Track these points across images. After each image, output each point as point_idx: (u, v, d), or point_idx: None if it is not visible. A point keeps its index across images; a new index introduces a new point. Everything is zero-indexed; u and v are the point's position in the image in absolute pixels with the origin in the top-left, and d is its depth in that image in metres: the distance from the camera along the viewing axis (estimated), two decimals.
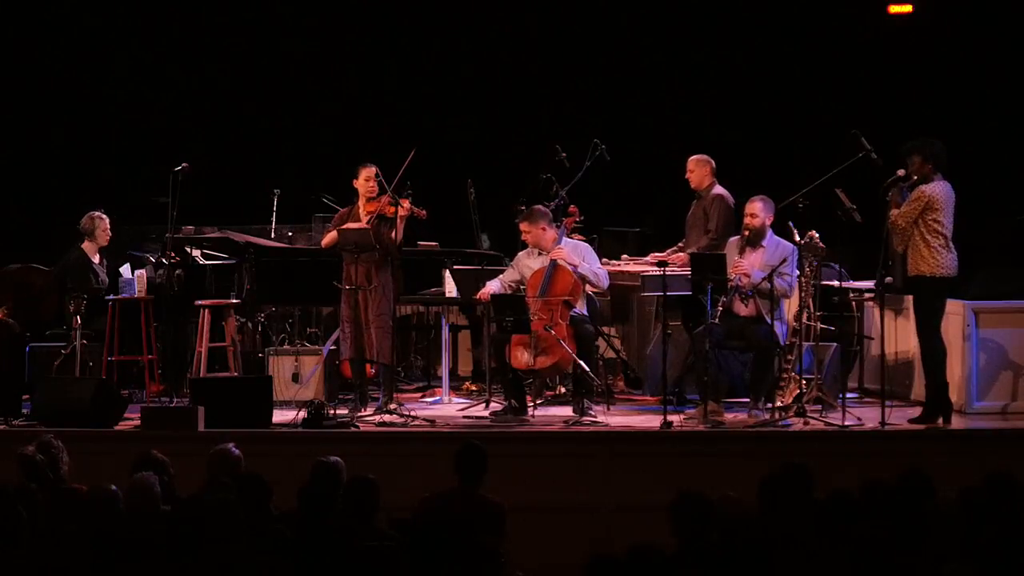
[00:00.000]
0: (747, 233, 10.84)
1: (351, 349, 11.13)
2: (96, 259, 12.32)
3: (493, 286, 11.15)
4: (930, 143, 10.47)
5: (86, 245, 12.29)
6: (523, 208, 11.79)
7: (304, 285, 11.99)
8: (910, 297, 11.11)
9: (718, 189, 11.90)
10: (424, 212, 11.10)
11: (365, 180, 11.19)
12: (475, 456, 7.91)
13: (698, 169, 11.91)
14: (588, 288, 11.18)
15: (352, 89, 15.28)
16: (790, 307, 10.98)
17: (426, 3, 15.29)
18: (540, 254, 11.16)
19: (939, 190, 10.36)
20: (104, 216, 12.34)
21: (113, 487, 7.08)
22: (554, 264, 11.02)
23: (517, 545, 7.52)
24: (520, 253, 11.40)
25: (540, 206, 11.42)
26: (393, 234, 11.04)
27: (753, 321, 10.80)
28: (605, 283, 11.22)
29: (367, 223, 11.07)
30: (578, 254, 11.14)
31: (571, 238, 11.48)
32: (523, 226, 11.18)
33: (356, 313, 11.09)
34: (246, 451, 8.08)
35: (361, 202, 11.25)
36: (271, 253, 12.35)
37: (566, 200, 11.86)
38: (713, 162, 11.90)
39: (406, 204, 11.01)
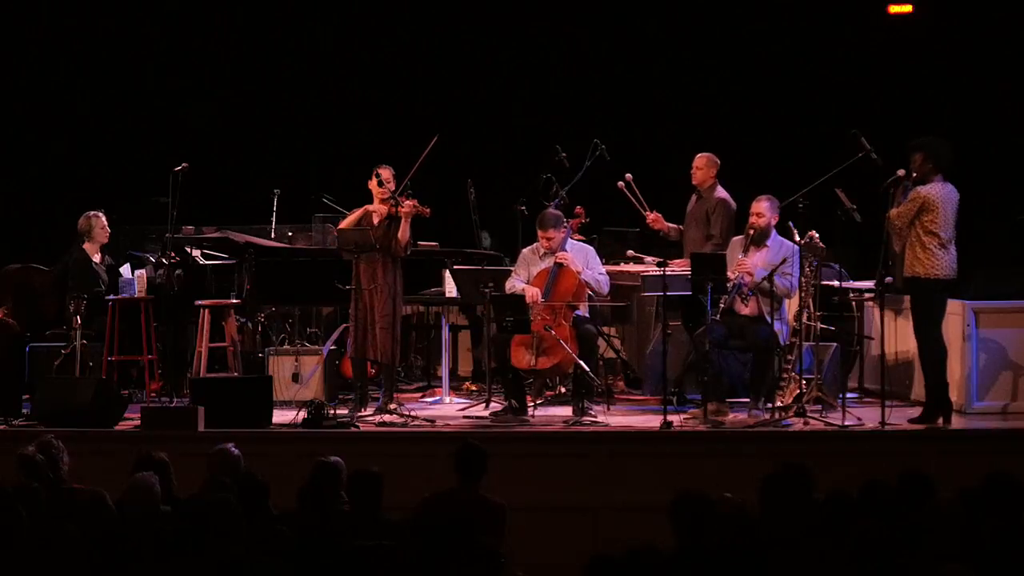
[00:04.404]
0: (752, 232, 10.83)
1: (354, 348, 11.13)
2: (97, 258, 12.31)
3: (518, 285, 11.08)
4: (936, 143, 10.46)
5: (87, 245, 12.28)
6: (523, 208, 11.79)
7: (304, 285, 11.99)
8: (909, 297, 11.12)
9: (721, 192, 11.91)
10: (428, 210, 11.07)
11: (378, 182, 11.12)
12: (474, 456, 7.91)
13: (705, 168, 11.93)
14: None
15: (352, 89, 15.27)
16: (791, 307, 10.99)
17: (426, 3, 15.30)
18: (545, 255, 11.15)
19: (936, 191, 10.33)
20: (100, 214, 12.32)
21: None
22: (559, 266, 11.01)
23: (517, 545, 7.53)
24: (524, 251, 11.37)
25: (553, 209, 11.40)
26: (400, 235, 11.01)
27: (754, 321, 10.80)
28: (606, 290, 11.23)
29: (379, 224, 11.05)
30: (582, 257, 11.13)
31: (574, 239, 11.48)
32: (550, 233, 11.01)
33: (362, 313, 11.06)
34: (246, 451, 8.09)
35: (375, 203, 11.22)
36: (271, 253, 12.34)
37: (566, 200, 11.87)
38: (719, 163, 11.93)
39: (410, 203, 10.99)
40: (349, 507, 7.40)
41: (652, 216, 12.13)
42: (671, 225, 12.15)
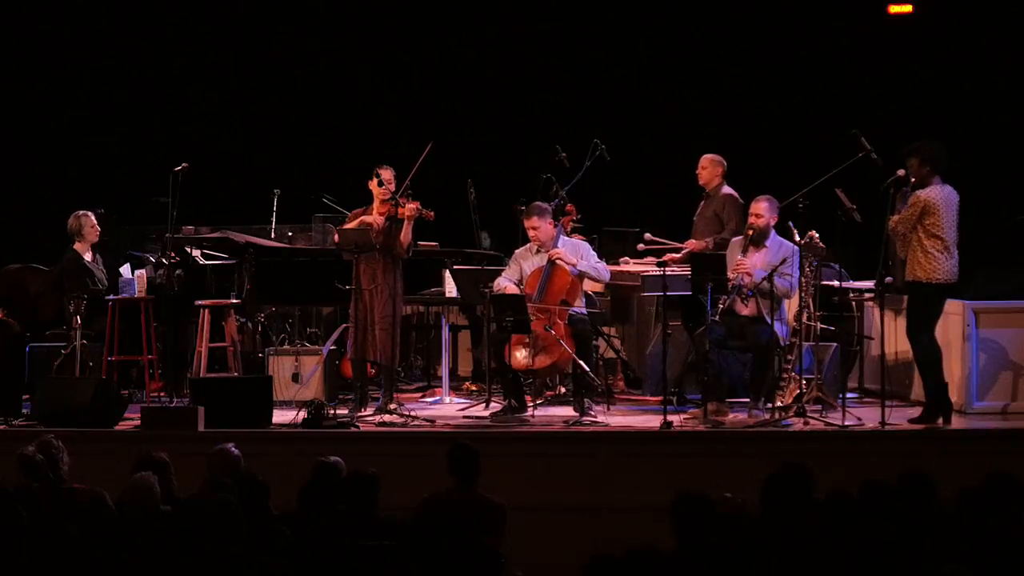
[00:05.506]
0: (751, 233, 10.84)
1: (354, 349, 11.12)
2: (88, 257, 12.30)
3: (503, 283, 11.09)
4: (929, 145, 10.44)
5: (77, 245, 12.28)
6: (523, 208, 11.79)
7: (304, 285, 11.98)
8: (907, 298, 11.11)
9: (727, 189, 11.93)
10: (432, 213, 11.07)
11: (378, 182, 11.11)
12: (465, 456, 7.92)
13: (710, 168, 11.97)
14: (590, 287, 11.18)
15: (352, 89, 15.28)
16: (791, 307, 10.99)
17: (426, 3, 15.30)
18: (539, 251, 11.15)
19: (935, 194, 10.32)
20: (89, 213, 12.33)
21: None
22: (552, 264, 11.01)
23: (517, 545, 7.53)
24: (518, 250, 11.38)
25: (539, 201, 11.41)
26: (401, 237, 11.00)
27: (754, 321, 10.80)
28: (607, 276, 11.25)
29: (380, 225, 11.04)
30: (576, 252, 11.13)
31: (570, 237, 11.48)
32: (533, 222, 11.07)
33: (362, 313, 11.05)
34: (246, 451, 8.09)
35: (376, 203, 11.21)
36: (271, 253, 12.34)
37: (565, 200, 11.87)
38: (725, 163, 11.95)
39: (412, 206, 10.98)
40: (345, 509, 7.41)
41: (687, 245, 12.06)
42: (706, 241, 12.01)
